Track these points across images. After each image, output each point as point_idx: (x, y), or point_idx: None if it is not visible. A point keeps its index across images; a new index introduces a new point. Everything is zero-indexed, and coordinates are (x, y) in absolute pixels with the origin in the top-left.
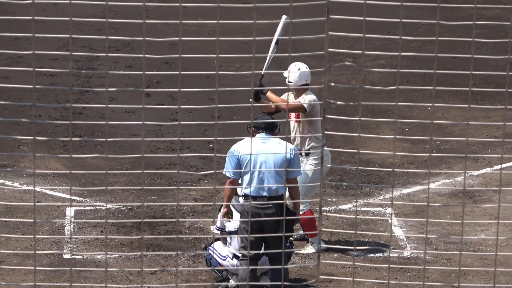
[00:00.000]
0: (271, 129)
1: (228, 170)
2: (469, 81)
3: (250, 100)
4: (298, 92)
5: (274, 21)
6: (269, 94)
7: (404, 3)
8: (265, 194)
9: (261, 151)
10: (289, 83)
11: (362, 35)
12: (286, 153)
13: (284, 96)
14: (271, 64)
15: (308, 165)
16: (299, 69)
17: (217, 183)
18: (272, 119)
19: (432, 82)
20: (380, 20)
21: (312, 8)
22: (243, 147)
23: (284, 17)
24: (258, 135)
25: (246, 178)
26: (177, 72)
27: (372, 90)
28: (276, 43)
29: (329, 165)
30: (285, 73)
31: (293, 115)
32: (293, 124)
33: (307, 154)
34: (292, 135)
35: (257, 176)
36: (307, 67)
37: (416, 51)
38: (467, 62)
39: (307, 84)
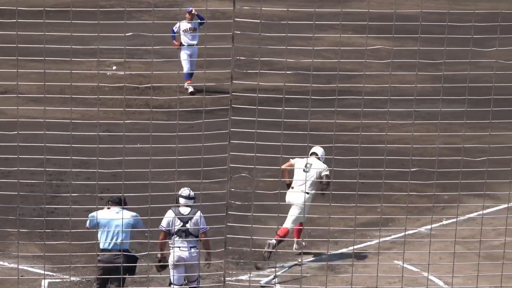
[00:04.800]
0: (120, 204)
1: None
2: (329, 186)
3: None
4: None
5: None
6: None
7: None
8: (117, 247)
9: (112, 218)
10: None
11: (253, 154)
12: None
13: None
14: None
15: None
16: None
17: (151, 261)
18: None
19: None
20: (267, 143)
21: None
22: (100, 214)
23: None
24: (112, 208)
25: (103, 237)
26: (121, 182)
27: (262, 194)
28: None
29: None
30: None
31: None
32: None
33: None
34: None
35: (110, 236)
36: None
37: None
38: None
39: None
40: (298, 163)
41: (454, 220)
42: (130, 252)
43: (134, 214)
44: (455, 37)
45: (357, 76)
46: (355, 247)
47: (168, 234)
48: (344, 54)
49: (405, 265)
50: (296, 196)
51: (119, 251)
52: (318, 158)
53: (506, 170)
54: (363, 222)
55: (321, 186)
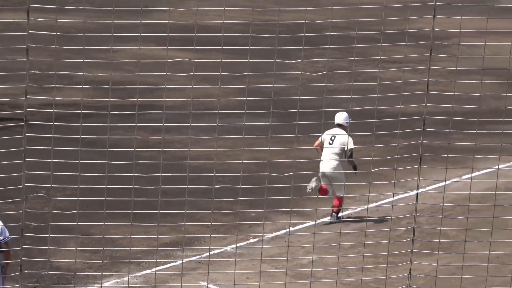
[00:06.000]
0: None
1: None
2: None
3: None
4: None
5: None
6: None
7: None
8: None
9: None
10: None
11: (50, 173)
12: None
13: None
14: None
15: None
16: None
17: None
18: None
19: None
20: (65, 161)
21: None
22: None
23: None
24: None
25: None
26: None
27: (61, 214)
28: None
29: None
30: None
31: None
32: None
33: None
34: None
35: None
36: None
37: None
38: None
39: None
40: (325, 137)
41: (261, 238)
42: None
43: None
44: (260, 49)
45: (159, 90)
46: (159, 268)
47: None
48: (146, 67)
49: (210, 286)
50: (325, 166)
51: None
52: (342, 125)
53: None
54: (167, 242)
55: (345, 157)
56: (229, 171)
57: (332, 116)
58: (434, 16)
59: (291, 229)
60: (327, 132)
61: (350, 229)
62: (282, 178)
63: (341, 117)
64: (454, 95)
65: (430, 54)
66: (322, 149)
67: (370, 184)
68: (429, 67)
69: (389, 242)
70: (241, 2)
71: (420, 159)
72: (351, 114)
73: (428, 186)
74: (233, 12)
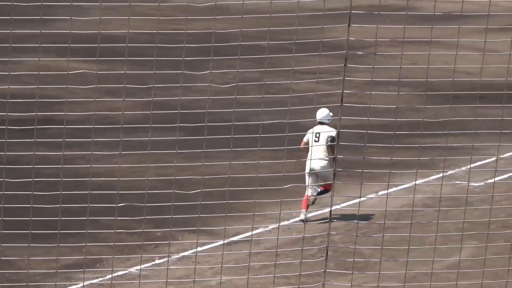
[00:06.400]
0: None
1: None
2: None
3: None
4: None
5: None
6: None
7: None
8: None
9: None
10: None
11: None
12: None
13: None
14: None
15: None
16: None
17: None
18: None
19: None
20: None
21: None
22: None
23: None
24: None
25: None
26: None
27: None
28: None
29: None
30: None
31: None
32: None
33: None
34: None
35: None
36: None
37: None
38: None
39: None
40: (310, 135)
41: (167, 258)
42: None
43: None
44: (167, 59)
45: (60, 103)
46: None
47: None
48: (46, 79)
49: None
50: (313, 164)
51: None
52: (324, 123)
53: (222, 203)
54: (68, 264)
55: (331, 148)
56: (134, 188)
57: (242, 130)
58: (349, 24)
59: (199, 249)
60: (310, 130)
61: (261, 249)
62: (189, 195)
63: (322, 114)
64: (370, 107)
65: (345, 65)
66: (307, 149)
67: (281, 201)
68: (344, 78)
69: (301, 261)
70: (147, 11)
71: (334, 174)
72: (262, 128)
73: (342, 202)
74: (138, 21)
